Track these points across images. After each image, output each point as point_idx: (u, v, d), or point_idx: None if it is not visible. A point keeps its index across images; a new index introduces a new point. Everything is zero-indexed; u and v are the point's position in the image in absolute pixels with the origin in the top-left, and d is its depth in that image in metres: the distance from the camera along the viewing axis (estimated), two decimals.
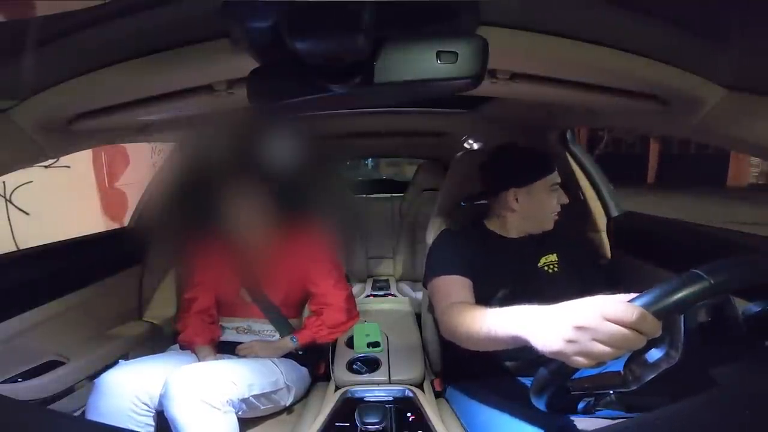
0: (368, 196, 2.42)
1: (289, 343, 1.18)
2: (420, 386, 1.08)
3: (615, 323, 0.49)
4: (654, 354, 0.53)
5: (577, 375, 0.58)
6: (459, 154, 1.24)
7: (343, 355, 1.19)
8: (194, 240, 1.30)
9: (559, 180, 0.99)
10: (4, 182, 3.01)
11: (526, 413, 0.77)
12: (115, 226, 3.22)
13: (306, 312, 1.33)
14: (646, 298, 0.50)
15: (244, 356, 1.13)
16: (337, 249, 1.42)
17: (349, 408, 0.95)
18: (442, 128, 1.79)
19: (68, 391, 1.08)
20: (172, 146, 1.48)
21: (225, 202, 1.20)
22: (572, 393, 0.61)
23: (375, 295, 1.98)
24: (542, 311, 0.59)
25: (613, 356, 0.50)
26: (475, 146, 1.86)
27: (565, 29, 0.52)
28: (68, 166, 3.08)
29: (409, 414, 0.93)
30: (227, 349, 1.18)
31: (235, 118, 1.18)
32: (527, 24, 0.51)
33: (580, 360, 0.52)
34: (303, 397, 1.18)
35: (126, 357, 1.21)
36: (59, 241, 1.22)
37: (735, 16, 0.48)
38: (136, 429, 0.92)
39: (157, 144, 3.46)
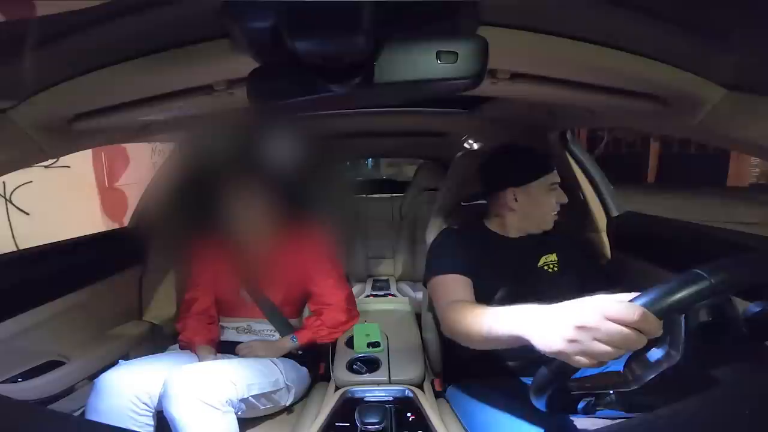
0: (368, 196, 2.43)
1: (289, 343, 1.18)
2: (420, 386, 1.08)
3: (616, 323, 0.49)
4: (655, 353, 0.53)
5: (577, 375, 0.58)
6: (459, 154, 1.24)
7: (343, 355, 1.18)
8: (194, 240, 1.30)
9: (558, 179, 1.00)
10: (4, 182, 3.01)
11: (526, 413, 0.77)
12: (115, 226, 3.22)
13: (306, 312, 1.34)
14: (647, 298, 0.50)
15: (243, 356, 1.13)
16: (337, 249, 1.42)
17: (349, 408, 0.95)
18: (442, 128, 1.79)
19: (68, 391, 1.08)
20: (172, 146, 1.48)
21: (225, 202, 1.20)
22: (572, 393, 0.61)
23: (375, 295, 1.98)
24: (543, 311, 0.59)
25: (614, 356, 0.50)
26: (475, 146, 1.86)
27: (565, 29, 0.52)
28: (68, 166, 3.09)
29: (409, 414, 0.93)
30: (227, 349, 1.18)
31: (235, 118, 1.18)
32: (527, 24, 0.51)
33: (581, 360, 0.52)
34: (303, 397, 1.18)
35: (126, 357, 1.21)
36: (59, 241, 1.21)
37: (735, 16, 0.48)
38: (136, 429, 0.92)
39: (157, 144, 3.47)
